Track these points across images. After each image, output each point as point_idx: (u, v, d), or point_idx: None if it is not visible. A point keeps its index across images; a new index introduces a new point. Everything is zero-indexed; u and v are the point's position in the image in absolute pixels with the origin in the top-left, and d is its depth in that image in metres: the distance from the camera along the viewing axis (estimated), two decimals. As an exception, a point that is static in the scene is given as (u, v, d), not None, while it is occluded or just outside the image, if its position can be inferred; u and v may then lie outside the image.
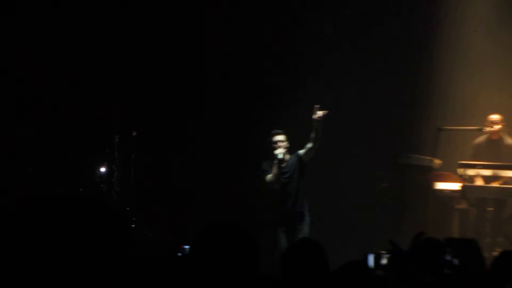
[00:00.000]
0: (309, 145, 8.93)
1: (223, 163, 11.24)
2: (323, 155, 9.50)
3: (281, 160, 8.98)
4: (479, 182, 10.38)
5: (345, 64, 11.37)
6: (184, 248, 6.30)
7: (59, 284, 2.20)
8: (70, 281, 2.20)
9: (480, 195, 10.43)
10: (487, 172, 10.31)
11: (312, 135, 8.82)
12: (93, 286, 2.22)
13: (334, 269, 3.79)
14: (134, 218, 9.85)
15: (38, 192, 9.36)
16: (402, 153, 10.89)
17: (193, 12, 11.43)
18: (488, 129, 10.53)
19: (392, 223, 10.22)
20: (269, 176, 9.07)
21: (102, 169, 10.19)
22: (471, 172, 10.31)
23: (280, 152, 8.94)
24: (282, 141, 9.00)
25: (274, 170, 9.02)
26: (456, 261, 4.08)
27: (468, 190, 10.32)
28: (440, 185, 10.54)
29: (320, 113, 8.65)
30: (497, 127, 10.56)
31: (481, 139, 10.73)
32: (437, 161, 10.34)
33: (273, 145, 9.00)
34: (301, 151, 9.04)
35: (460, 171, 10.28)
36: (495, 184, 10.33)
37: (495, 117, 10.58)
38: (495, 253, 8.41)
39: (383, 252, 4.12)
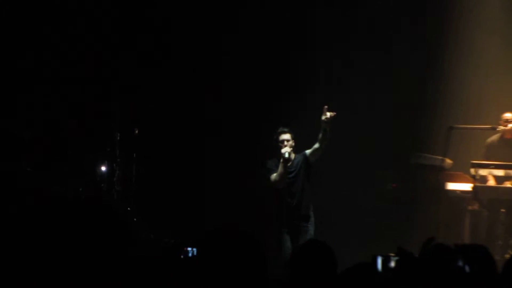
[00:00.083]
0: (316, 145, 8.90)
1: (227, 163, 11.19)
2: (332, 156, 9.52)
3: (287, 159, 8.86)
4: (491, 183, 10.24)
5: (357, 64, 11.37)
6: (187, 250, 6.23)
7: (60, 284, 2.22)
8: (70, 281, 2.23)
9: (492, 196, 10.23)
10: (500, 172, 10.16)
11: (320, 135, 8.79)
12: (93, 286, 2.27)
13: (342, 271, 3.83)
14: (135, 219, 9.79)
15: (38, 192, 9.27)
16: (413, 153, 10.84)
17: (196, 11, 11.39)
18: (501, 127, 10.41)
19: (402, 225, 10.24)
20: (274, 175, 8.97)
21: (103, 168, 10.16)
22: (483, 172, 10.15)
23: (286, 151, 8.87)
24: (288, 140, 8.93)
25: (280, 169, 8.90)
26: (467, 268, 4.01)
27: (480, 190, 10.14)
28: (451, 186, 10.44)
29: (328, 114, 8.62)
30: (510, 125, 10.43)
31: (494, 138, 10.60)
32: (448, 161, 10.22)
33: (279, 144, 8.93)
34: (308, 151, 9.00)
35: (472, 171, 10.11)
36: (508, 185, 10.16)
37: (509, 115, 10.45)
38: (507, 256, 8.19)
39: (392, 254, 4.09)
